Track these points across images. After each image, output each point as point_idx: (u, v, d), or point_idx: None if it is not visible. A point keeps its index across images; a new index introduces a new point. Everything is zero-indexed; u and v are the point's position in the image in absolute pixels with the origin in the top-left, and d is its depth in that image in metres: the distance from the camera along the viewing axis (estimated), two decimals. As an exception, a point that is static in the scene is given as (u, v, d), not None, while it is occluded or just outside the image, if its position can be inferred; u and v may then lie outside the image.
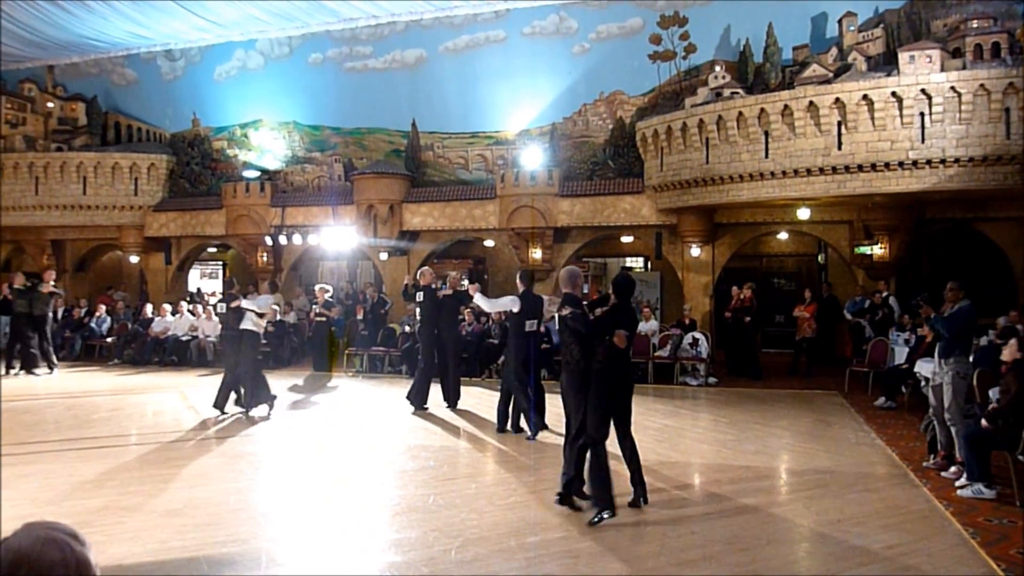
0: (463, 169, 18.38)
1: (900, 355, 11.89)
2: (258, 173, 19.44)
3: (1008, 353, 7.08)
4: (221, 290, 11.13)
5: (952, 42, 12.94)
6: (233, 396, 10.73)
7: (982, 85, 11.80)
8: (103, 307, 18.58)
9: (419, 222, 18.06)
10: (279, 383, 13.65)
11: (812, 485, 7.08)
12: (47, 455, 8.16)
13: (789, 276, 20.05)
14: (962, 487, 6.79)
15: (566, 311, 6.16)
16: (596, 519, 5.87)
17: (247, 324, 10.64)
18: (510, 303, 9.32)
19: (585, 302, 6.45)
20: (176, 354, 16.35)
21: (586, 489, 6.16)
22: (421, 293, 11.01)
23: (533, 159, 17.05)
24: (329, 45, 18.75)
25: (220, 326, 10.98)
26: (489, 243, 19.51)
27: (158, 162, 19.82)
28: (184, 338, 16.57)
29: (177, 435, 9.39)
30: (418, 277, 11.24)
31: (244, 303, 10.70)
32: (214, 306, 11.08)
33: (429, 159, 18.54)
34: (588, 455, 6.10)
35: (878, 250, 15.22)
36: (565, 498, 6.28)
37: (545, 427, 9.28)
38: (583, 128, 17.32)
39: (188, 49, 20.01)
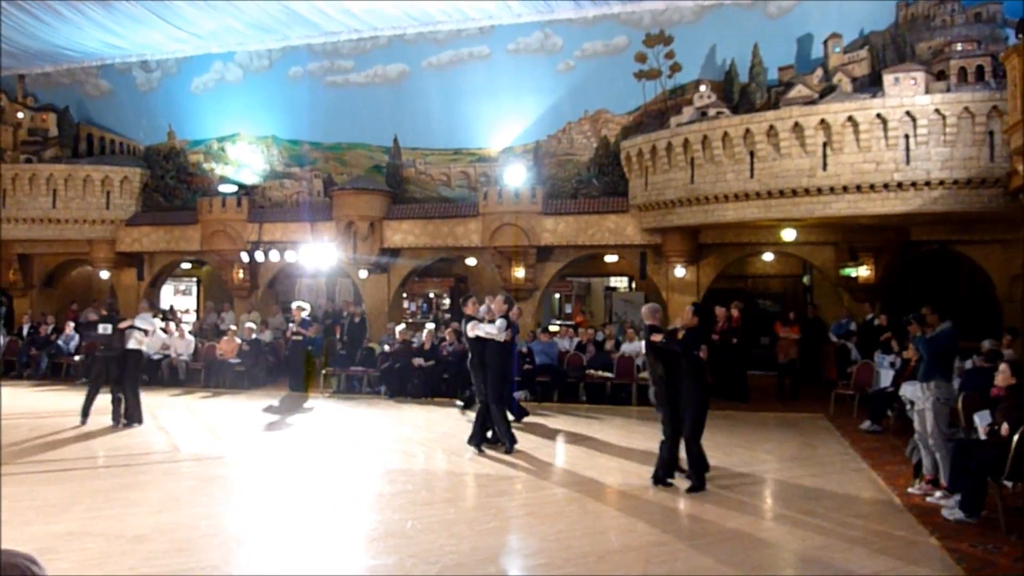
0: (445, 186, 18.43)
1: (886, 378, 11.99)
2: (235, 188, 19.38)
3: (1002, 379, 7.18)
4: (104, 311, 11.85)
5: (936, 64, 13.20)
6: (111, 409, 11.35)
7: (966, 108, 12.04)
8: (71, 324, 18.37)
9: (400, 239, 18.06)
10: (254, 404, 13.56)
11: (797, 510, 7.11)
12: (9, 478, 8.03)
13: (774, 297, 20.21)
14: (946, 508, 6.86)
15: (657, 338, 7.96)
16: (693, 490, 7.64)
17: (133, 344, 11.45)
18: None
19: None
20: (147, 373, 16.07)
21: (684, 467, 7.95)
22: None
23: (516, 177, 17.13)
24: (310, 58, 18.81)
25: (102, 346, 11.76)
26: (471, 261, 19.53)
27: (131, 175, 19.70)
28: (155, 357, 16.37)
29: (146, 457, 9.28)
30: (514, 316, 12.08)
31: (138, 322, 11.55)
32: (87, 325, 11.82)
33: (411, 175, 18.58)
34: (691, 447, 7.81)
35: (863, 271, 15.40)
36: (658, 480, 7.87)
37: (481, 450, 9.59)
38: (567, 146, 17.45)
39: (164, 60, 19.99)
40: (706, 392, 7.92)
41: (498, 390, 9.67)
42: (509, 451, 9.40)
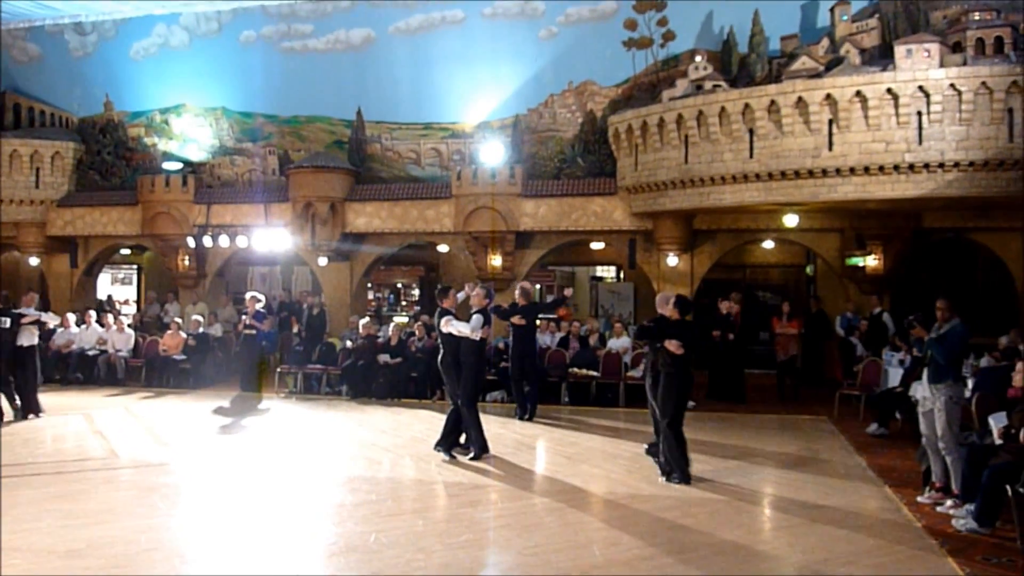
0: (414, 164, 18.36)
1: (894, 377, 12.13)
2: (180, 165, 19.20)
3: (1019, 378, 7.28)
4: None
5: (952, 35, 13.32)
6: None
7: (984, 83, 12.17)
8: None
9: (364, 223, 17.99)
10: (201, 405, 13.47)
11: (797, 520, 7.19)
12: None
13: (775, 289, 20.37)
14: (958, 518, 6.97)
15: (646, 323, 9.21)
16: (670, 480, 8.42)
17: (27, 339, 11.82)
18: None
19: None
20: (81, 371, 16.00)
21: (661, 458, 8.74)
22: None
23: (493, 155, 17.11)
24: (264, 22, 18.61)
25: None
26: (443, 248, 19.50)
27: (64, 150, 19.46)
28: (91, 353, 16.22)
29: (80, 464, 9.20)
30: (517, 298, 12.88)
31: (44, 316, 12.12)
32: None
33: (376, 152, 18.50)
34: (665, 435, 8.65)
35: (871, 261, 15.56)
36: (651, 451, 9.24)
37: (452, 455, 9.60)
38: (550, 121, 17.44)
39: (101, 22, 19.68)
40: (680, 384, 8.57)
41: (472, 392, 9.68)
42: (476, 457, 9.38)
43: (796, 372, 14.83)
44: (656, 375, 8.73)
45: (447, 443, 9.65)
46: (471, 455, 9.47)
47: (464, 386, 9.59)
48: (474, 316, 9.60)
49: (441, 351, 9.89)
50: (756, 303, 19.68)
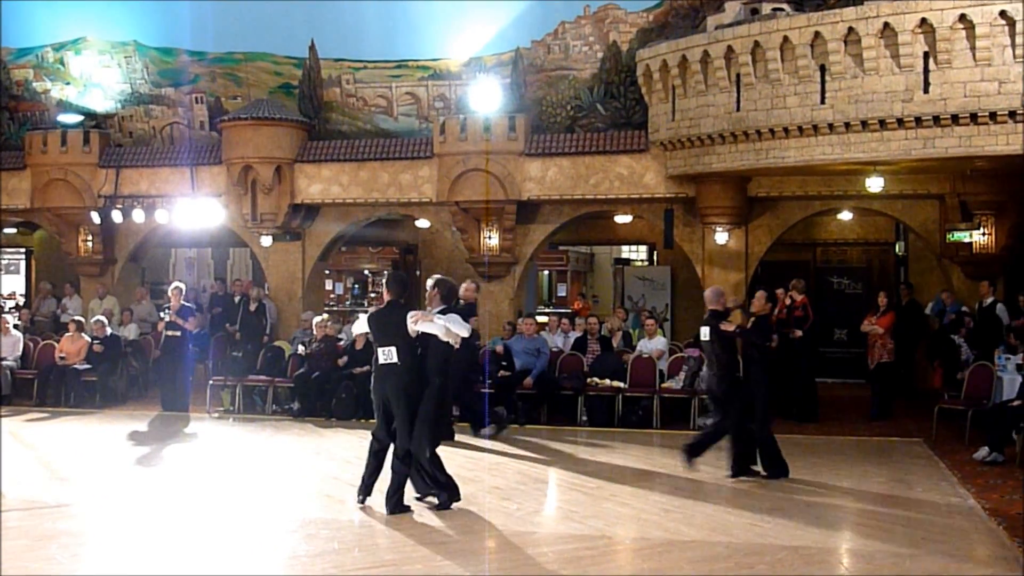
0: (385, 114, 18.33)
1: (1010, 387, 12.12)
2: (80, 118, 19.15)
3: None
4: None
5: (1085, -59, 13.26)
6: None
7: None
8: None
9: (319, 191, 17.95)
10: (111, 429, 13.47)
11: (885, 573, 7.20)
12: None
13: (855, 274, 20.33)
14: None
15: (729, 327, 10.18)
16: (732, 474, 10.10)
17: None
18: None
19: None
20: (-46, 386, 16.03)
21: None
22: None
23: (488, 101, 17.06)
24: (187, -70, 18.61)
25: None
26: (423, 223, 19.47)
27: (-72, 99, 19.50)
28: (-34, 362, 16.26)
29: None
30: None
31: None
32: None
33: (334, 99, 18.45)
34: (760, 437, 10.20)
35: (980, 237, 15.52)
36: (741, 470, 10.15)
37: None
38: (561, 57, 17.39)
39: (-25, -68, 19.69)
40: (771, 377, 10.51)
41: (429, 423, 9.23)
42: (444, 506, 9.03)
43: (886, 380, 14.75)
44: (729, 380, 10.24)
45: (392, 501, 8.95)
46: (437, 503, 8.97)
47: (425, 415, 8.99)
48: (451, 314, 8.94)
49: (384, 368, 9.31)
50: (830, 293, 19.66)
